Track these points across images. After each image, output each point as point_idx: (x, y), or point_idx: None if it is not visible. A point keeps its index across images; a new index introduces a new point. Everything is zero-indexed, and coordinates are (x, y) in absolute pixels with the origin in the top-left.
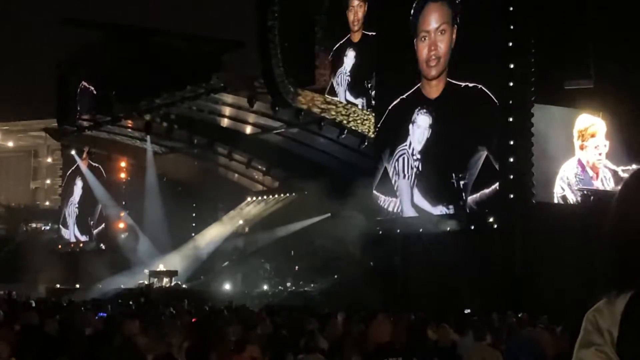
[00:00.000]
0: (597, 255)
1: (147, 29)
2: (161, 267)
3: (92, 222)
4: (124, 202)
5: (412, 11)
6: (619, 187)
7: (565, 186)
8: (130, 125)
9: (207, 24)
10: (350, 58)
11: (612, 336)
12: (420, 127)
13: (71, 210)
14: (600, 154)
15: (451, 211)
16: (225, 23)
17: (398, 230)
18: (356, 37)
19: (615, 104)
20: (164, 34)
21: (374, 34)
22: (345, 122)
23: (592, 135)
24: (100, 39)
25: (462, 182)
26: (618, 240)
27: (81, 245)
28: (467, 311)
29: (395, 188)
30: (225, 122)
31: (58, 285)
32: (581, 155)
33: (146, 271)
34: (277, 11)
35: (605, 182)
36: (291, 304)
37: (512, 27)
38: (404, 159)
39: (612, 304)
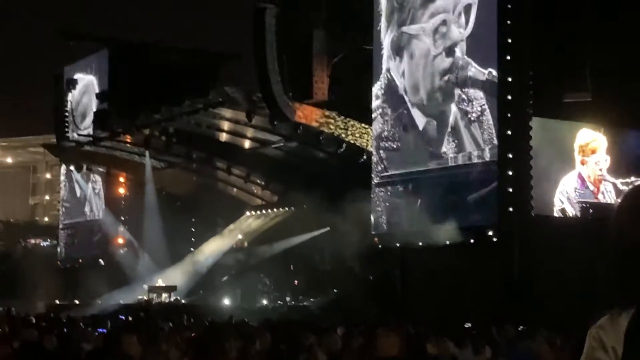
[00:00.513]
0: (599, 271)
1: (145, 44)
2: (160, 283)
3: (91, 238)
4: (122, 218)
5: None
6: (619, 202)
7: (564, 199)
8: (128, 140)
9: (205, 38)
10: None
11: (616, 353)
12: None
13: (69, 226)
14: (600, 169)
15: (450, 225)
16: (223, 37)
17: (397, 244)
18: None
19: (614, 116)
20: (162, 48)
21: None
22: (343, 135)
23: (593, 151)
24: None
25: (461, 196)
26: (619, 256)
27: (80, 261)
28: (467, 325)
29: (393, 201)
30: (223, 136)
31: (57, 301)
32: (582, 169)
33: (145, 286)
34: (274, 25)
35: (607, 195)
36: (290, 319)
37: (509, 40)
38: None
39: (615, 320)
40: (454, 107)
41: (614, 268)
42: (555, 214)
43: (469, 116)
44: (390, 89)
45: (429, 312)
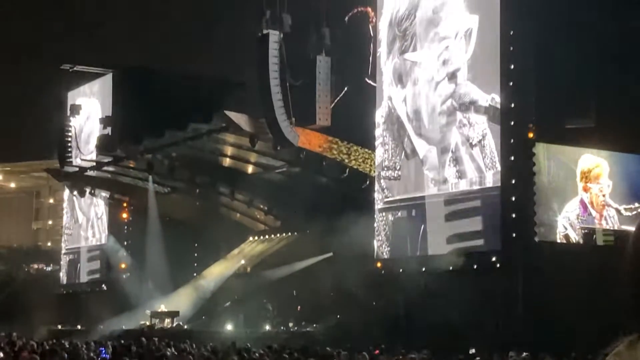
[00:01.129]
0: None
1: (149, 69)
2: (163, 308)
3: (93, 263)
4: (125, 242)
5: None
6: (635, 229)
7: (567, 225)
8: (132, 165)
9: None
10: None
11: None
12: None
13: (72, 251)
14: (604, 195)
15: (453, 250)
16: (227, 62)
17: (400, 270)
18: None
19: (617, 142)
20: (166, 73)
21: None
22: (346, 161)
23: (596, 177)
24: (103, 78)
25: (464, 222)
26: (637, 282)
27: (82, 286)
28: (472, 351)
29: (396, 227)
30: (227, 161)
31: (59, 327)
32: (584, 196)
33: (148, 312)
34: (277, 50)
35: (610, 221)
36: (293, 345)
37: (512, 66)
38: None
39: (633, 347)
40: (455, 132)
41: (631, 294)
42: (559, 240)
43: (471, 141)
44: (391, 116)
45: (433, 338)
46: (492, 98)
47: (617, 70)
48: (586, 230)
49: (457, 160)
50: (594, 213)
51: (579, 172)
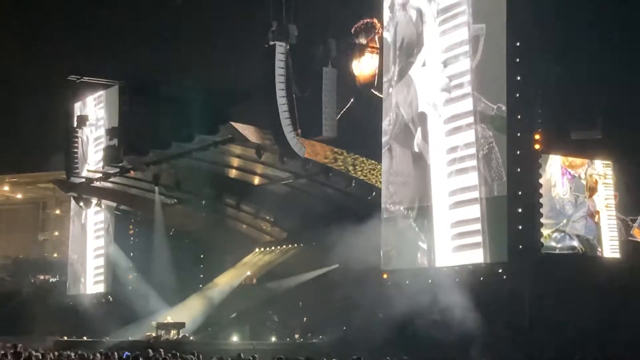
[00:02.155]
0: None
1: (155, 80)
2: (168, 319)
3: (99, 274)
4: (131, 254)
5: None
6: None
7: (574, 237)
8: (138, 176)
9: (215, 74)
10: None
11: None
12: None
13: (79, 262)
14: (610, 206)
15: (459, 262)
16: (233, 74)
17: (407, 281)
18: None
19: (623, 153)
20: (172, 84)
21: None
22: (353, 172)
23: (603, 189)
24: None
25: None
26: None
27: (88, 297)
28: None
29: (402, 238)
30: (233, 173)
31: (65, 338)
32: (590, 206)
33: (153, 323)
34: (284, 61)
35: (616, 232)
36: (299, 356)
37: (518, 78)
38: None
39: None
40: (461, 142)
41: None
42: (565, 252)
43: (477, 151)
44: (399, 122)
45: (439, 349)
46: (498, 107)
47: (624, 81)
48: (593, 242)
49: (463, 171)
50: (600, 224)
51: (585, 183)
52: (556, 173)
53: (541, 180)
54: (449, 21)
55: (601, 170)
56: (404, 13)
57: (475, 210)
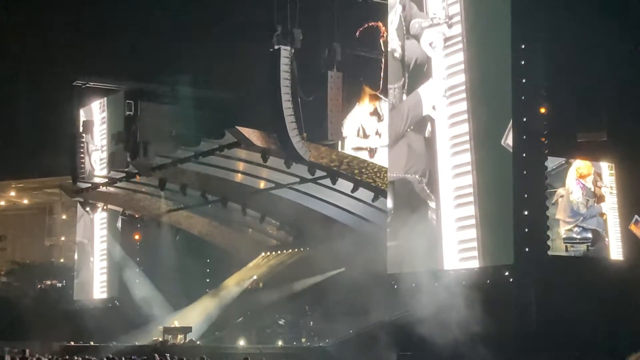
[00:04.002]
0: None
1: (161, 85)
2: (175, 324)
3: (106, 279)
4: (138, 258)
5: None
6: None
7: (588, 230)
8: (144, 181)
9: (220, 79)
10: None
11: None
12: None
13: (85, 267)
14: (616, 207)
15: (465, 265)
16: (238, 79)
17: (413, 284)
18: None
19: (629, 154)
20: (178, 89)
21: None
22: (358, 175)
23: (608, 190)
24: (115, 95)
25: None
26: None
27: (95, 302)
28: None
29: (409, 241)
30: (239, 177)
31: (72, 343)
32: (596, 208)
33: (160, 327)
34: (289, 65)
35: (622, 233)
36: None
37: (524, 80)
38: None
39: None
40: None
41: None
42: (572, 254)
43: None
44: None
45: (445, 353)
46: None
47: (629, 83)
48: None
49: (469, 172)
50: (608, 229)
51: (591, 184)
52: (572, 182)
53: (562, 189)
54: (450, 47)
55: (607, 182)
56: (416, 43)
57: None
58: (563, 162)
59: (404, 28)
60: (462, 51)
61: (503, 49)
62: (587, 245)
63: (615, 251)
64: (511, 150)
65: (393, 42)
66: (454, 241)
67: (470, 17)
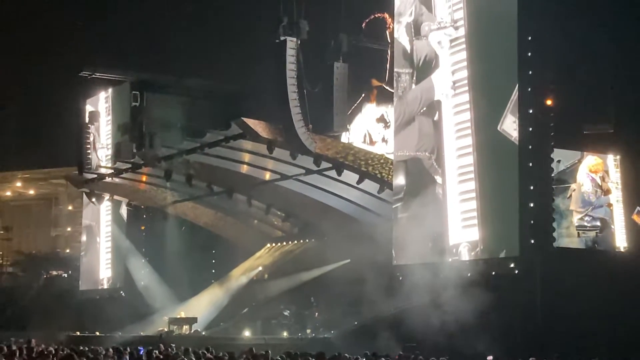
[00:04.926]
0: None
1: (166, 76)
2: (181, 314)
3: (111, 269)
4: (143, 249)
5: None
6: None
7: (597, 219)
8: (150, 172)
9: (226, 70)
10: None
11: None
12: None
13: (91, 257)
14: (623, 200)
15: (472, 257)
16: (244, 70)
17: (418, 276)
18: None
19: (636, 147)
20: (183, 80)
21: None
22: (364, 167)
23: (615, 183)
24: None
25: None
26: None
27: (100, 292)
28: (489, 358)
29: (415, 232)
30: (244, 168)
31: (78, 333)
32: (603, 200)
33: (165, 318)
34: (295, 57)
35: (628, 226)
36: (311, 351)
37: (530, 72)
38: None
39: None
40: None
41: None
42: (577, 246)
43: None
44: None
45: (451, 345)
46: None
47: (636, 75)
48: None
49: (470, 153)
50: (614, 218)
51: (598, 177)
52: (583, 175)
53: (574, 184)
54: (455, 47)
55: (614, 178)
56: (425, 41)
57: (487, 205)
58: (575, 161)
59: (415, 29)
60: (465, 50)
61: (500, 48)
62: (596, 232)
63: (620, 238)
64: (506, 136)
65: (403, 40)
66: (457, 212)
67: (472, 22)
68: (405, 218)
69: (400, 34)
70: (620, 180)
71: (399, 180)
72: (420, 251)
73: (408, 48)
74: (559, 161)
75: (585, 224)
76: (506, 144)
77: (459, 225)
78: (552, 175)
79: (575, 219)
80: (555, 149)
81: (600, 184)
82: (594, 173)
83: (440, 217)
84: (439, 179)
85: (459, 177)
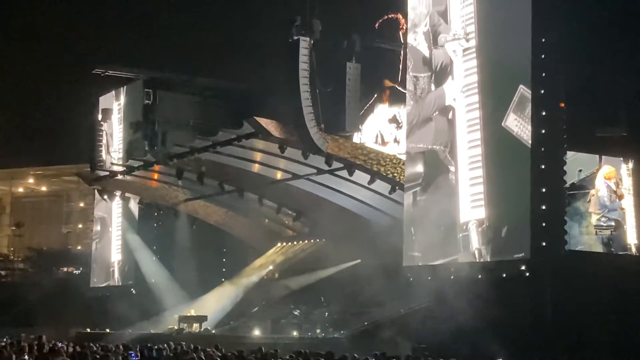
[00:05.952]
0: None
1: (179, 74)
2: (191, 312)
3: (122, 267)
4: (154, 247)
5: None
6: None
7: (612, 219)
8: (161, 170)
9: (239, 70)
10: None
11: None
12: None
13: (102, 254)
14: (630, 204)
15: (482, 259)
16: (257, 69)
17: (428, 277)
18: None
19: None
20: (196, 79)
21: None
22: (375, 167)
23: (628, 187)
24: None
25: (493, 229)
26: None
27: (111, 289)
28: None
29: (426, 233)
30: (256, 167)
31: (88, 330)
32: (616, 204)
33: (176, 316)
34: (308, 56)
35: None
36: (321, 351)
37: (543, 74)
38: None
39: None
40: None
41: None
42: (589, 249)
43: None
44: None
45: (461, 347)
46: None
47: None
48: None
49: (479, 145)
50: (626, 220)
51: (612, 184)
52: (600, 182)
53: (593, 190)
54: (467, 56)
55: (626, 184)
56: (442, 50)
57: (498, 207)
58: (594, 170)
59: (433, 39)
60: (475, 59)
61: (506, 57)
62: (611, 231)
63: (631, 236)
64: (509, 131)
65: (422, 47)
66: (467, 194)
67: (482, 35)
68: (423, 200)
69: (420, 41)
70: (632, 186)
71: (418, 168)
72: (434, 232)
73: (427, 54)
74: (580, 170)
75: (602, 224)
76: (509, 138)
77: (468, 205)
78: (575, 182)
79: (594, 219)
80: (568, 152)
81: (615, 189)
82: (608, 180)
83: (453, 199)
84: (452, 167)
85: (469, 166)
